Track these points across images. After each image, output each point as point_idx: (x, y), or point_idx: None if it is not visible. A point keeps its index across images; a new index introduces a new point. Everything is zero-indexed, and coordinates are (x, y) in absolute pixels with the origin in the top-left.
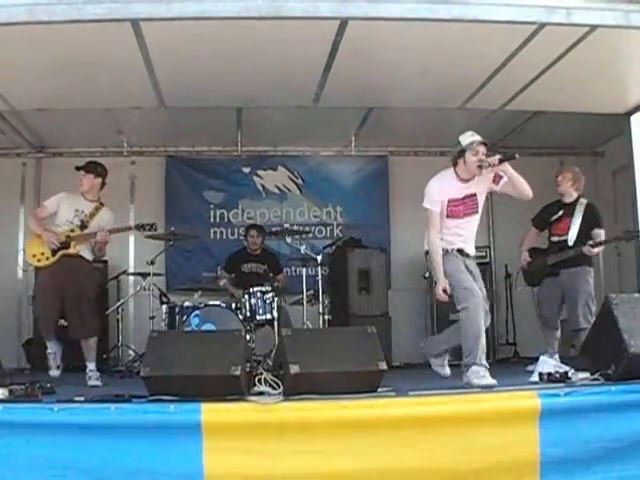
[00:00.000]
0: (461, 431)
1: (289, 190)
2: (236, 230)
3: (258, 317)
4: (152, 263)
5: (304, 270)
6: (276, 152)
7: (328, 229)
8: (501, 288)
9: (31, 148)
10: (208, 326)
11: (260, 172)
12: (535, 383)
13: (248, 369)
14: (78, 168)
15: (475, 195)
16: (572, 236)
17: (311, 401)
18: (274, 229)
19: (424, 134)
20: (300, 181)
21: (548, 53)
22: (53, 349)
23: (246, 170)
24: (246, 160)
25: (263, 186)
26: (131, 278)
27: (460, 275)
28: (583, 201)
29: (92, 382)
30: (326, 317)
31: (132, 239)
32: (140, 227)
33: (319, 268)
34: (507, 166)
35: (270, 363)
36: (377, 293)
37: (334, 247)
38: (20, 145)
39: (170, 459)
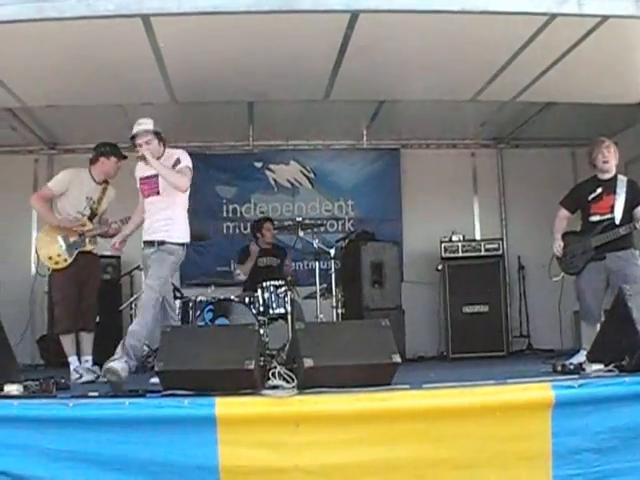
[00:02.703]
0: (475, 422)
1: (301, 184)
2: (248, 224)
3: (271, 311)
4: None
5: (317, 264)
6: (288, 146)
7: (340, 223)
8: (514, 280)
9: (43, 145)
10: (222, 320)
11: (272, 166)
12: (548, 374)
13: (262, 363)
14: (105, 154)
15: (156, 176)
16: (618, 214)
17: (325, 394)
18: (286, 223)
19: (436, 126)
20: (312, 175)
21: (559, 44)
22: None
23: (258, 164)
24: (258, 154)
25: (275, 180)
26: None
27: None
28: (622, 178)
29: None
30: (339, 311)
31: None
32: None
33: (332, 262)
34: (149, 161)
35: (284, 357)
36: (390, 286)
37: (347, 241)
38: (32, 142)
39: (186, 452)
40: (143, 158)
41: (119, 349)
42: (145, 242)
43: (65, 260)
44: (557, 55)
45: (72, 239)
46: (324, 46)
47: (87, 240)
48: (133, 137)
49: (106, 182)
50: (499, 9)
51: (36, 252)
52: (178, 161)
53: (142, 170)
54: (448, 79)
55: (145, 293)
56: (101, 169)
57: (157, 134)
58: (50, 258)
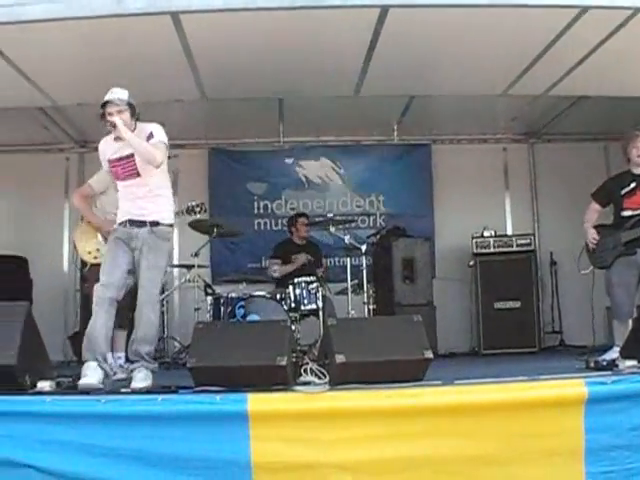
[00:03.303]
0: (507, 419)
1: (331, 180)
2: (280, 221)
3: (303, 307)
4: (196, 255)
5: (348, 260)
6: (318, 142)
7: (371, 219)
8: (546, 276)
9: (74, 143)
10: (253, 317)
11: (302, 162)
12: (581, 371)
13: (294, 359)
14: None
15: (132, 155)
16: None
17: (357, 390)
18: (318, 219)
19: (467, 121)
20: (342, 171)
21: (591, 37)
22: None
23: (289, 161)
24: (288, 151)
25: (306, 177)
26: (176, 270)
27: None
28: None
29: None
30: (371, 307)
31: (176, 231)
32: (190, 210)
33: (363, 258)
34: (120, 131)
35: (315, 353)
36: (422, 282)
37: (378, 236)
38: (63, 140)
39: (218, 448)
40: (113, 126)
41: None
42: (131, 221)
43: (103, 255)
44: (589, 48)
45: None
46: (354, 42)
47: None
48: (104, 105)
49: None
50: (530, 2)
51: (74, 246)
52: (151, 135)
53: (111, 151)
54: (479, 73)
55: (146, 288)
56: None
57: (131, 106)
58: (89, 253)
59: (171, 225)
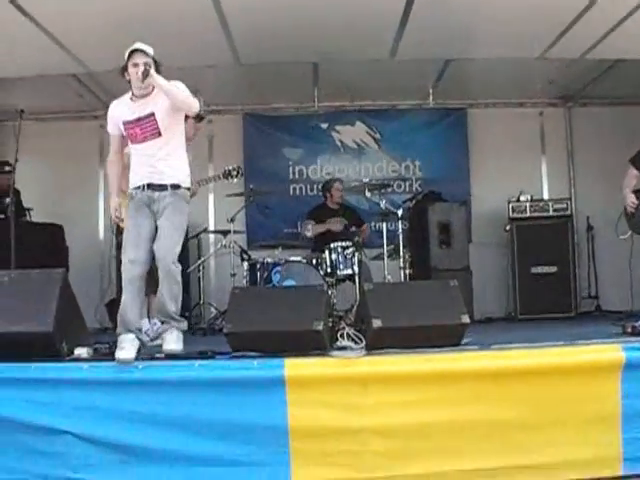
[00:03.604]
0: (543, 384)
1: (367, 145)
2: (315, 186)
3: (339, 272)
4: (232, 221)
5: (384, 225)
6: (353, 107)
7: (407, 183)
8: (583, 241)
9: (108, 110)
10: (289, 282)
11: (338, 127)
12: (618, 336)
13: (330, 324)
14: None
15: (153, 114)
16: None
17: (393, 355)
18: (353, 184)
19: (503, 85)
20: (378, 135)
21: None
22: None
23: (324, 126)
24: (324, 116)
25: (341, 141)
26: (211, 236)
27: None
28: None
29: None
30: (407, 271)
31: (211, 197)
32: (227, 174)
33: (399, 222)
34: (154, 77)
35: (352, 318)
36: (458, 247)
37: (414, 201)
38: (97, 107)
39: (255, 413)
40: (145, 75)
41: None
42: (151, 185)
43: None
44: (627, 10)
45: None
46: (390, 4)
47: None
48: (130, 56)
49: None
50: None
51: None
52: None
53: (128, 112)
54: (516, 36)
55: (170, 248)
56: None
57: (155, 62)
58: (124, 220)
59: (189, 189)
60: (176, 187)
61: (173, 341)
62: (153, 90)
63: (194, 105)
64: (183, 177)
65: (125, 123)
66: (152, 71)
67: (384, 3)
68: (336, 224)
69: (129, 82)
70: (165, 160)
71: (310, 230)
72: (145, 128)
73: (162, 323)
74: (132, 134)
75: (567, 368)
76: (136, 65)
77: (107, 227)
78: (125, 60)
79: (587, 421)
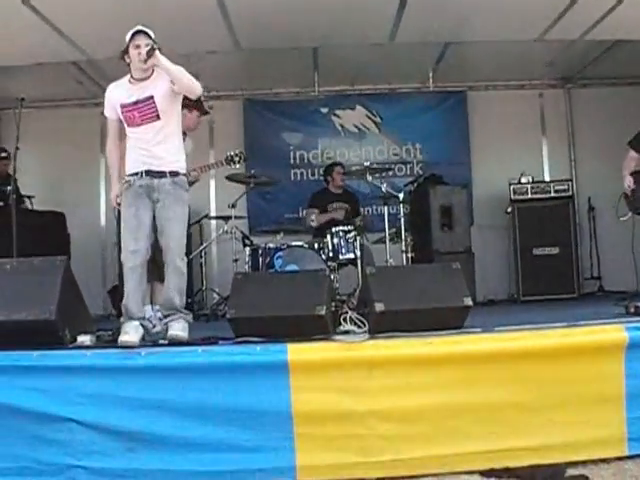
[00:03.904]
0: (547, 365)
1: (368, 129)
2: (316, 170)
3: (341, 256)
4: (233, 206)
5: (385, 208)
6: (353, 91)
7: (408, 167)
8: (584, 221)
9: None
10: (291, 267)
11: (338, 112)
12: (621, 316)
13: (333, 308)
14: (189, 107)
15: (152, 97)
16: None
17: (397, 339)
18: (354, 168)
19: (502, 68)
20: (378, 119)
21: None
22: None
23: (324, 110)
24: (324, 100)
25: (342, 126)
26: (213, 222)
27: None
28: None
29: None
30: (409, 255)
31: (213, 183)
32: (229, 160)
33: (401, 206)
34: (158, 57)
35: (354, 302)
36: (460, 229)
37: (415, 185)
38: (98, 95)
39: (259, 398)
40: (150, 56)
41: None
42: (150, 172)
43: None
44: None
45: None
46: None
47: None
48: (133, 37)
49: (183, 134)
50: None
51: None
52: None
53: (126, 95)
54: (514, 18)
55: (176, 239)
56: (182, 122)
57: (157, 46)
58: None
59: (186, 175)
60: (175, 174)
61: (179, 328)
62: (152, 73)
63: (197, 88)
64: (181, 163)
65: (123, 106)
66: (157, 52)
67: None
68: (339, 211)
69: (128, 65)
70: (162, 144)
71: (314, 220)
72: (144, 111)
73: (166, 316)
74: (130, 117)
75: (570, 349)
76: (138, 47)
77: (109, 214)
78: (126, 43)
79: (591, 402)
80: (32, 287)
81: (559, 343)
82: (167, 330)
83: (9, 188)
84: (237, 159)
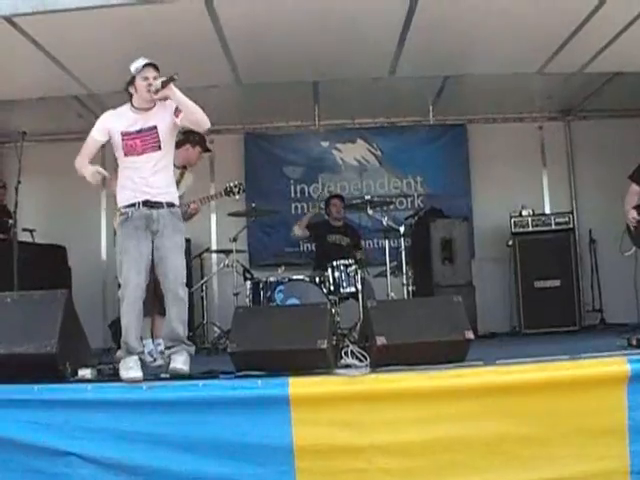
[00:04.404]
0: (549, 398)
1: (368, 162)
2: (317, 204)
3: (342, 290)
4: (234, 240)
5: (386, 242)
6: (354, 125)
7: (409, 200)
8: (585, 254)
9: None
10: (292, 301)
11: (339, 145)
12: (623, 349)
13: (334, 342)
14: (192, 142)
15: (155, 128)
16: None
17: (398, 372)
18: (355, 201)
19: (502, 100)
20: (379, 153)
21: (627, 12)
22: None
23: (325, 144)
24: (324, 134)
25: (342, 159)
26: (214, 256)
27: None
28: None
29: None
30: (410, 288)
31: (214, 217)
32: (228, 191)
33: (401, 239)
34: (173, 89)
35: (356, 336)
36: (461, 263)
37: (416, 218)
38: None
39: (260, 432)
40: (163, 87)
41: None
42: (148, 202)
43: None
44: (624, 23)
45: None
46: (388, 22)
47: None
48: (142, 68)
49: (184, 168)
50: None
51: (115, 233)
52: (178, 109)
53: (126, 123)
54: (513, 52)
55: (178, 269)
56: (184, 155)
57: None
58: None
59: (180, 206)
60: (171, 205)
61: (181, 361)
62: (155, 104)
63: (207, 122)
64: (175, 194)
65: (124, 134)
66: (172, 85)
67: (382, 21)
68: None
69: (131, 95)
70: (159, 174)
71: (294, 230)
72: (146, 140)
73: (169, 348)
74: (131, 145)
75: (573, 382)
76: (147, 79)
77: (109, 248)
78: (131, 73)
79: (593, 435)
80: (33, 320)
81: (561, 376)
82: (169, 363)
83: (11, 221)
84: (236, 190)
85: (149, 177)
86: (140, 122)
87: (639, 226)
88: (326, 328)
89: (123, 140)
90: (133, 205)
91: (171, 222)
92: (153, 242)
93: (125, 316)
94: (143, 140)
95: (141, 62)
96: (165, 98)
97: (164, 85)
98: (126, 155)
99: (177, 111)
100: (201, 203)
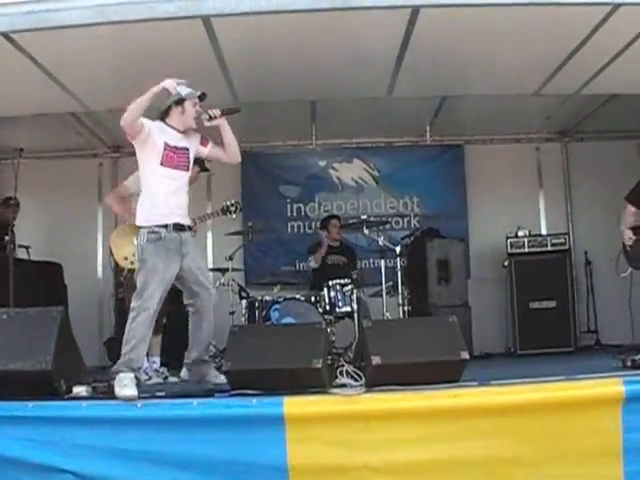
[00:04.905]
0: (544, 419)
1: (365, 182)
2: (313, 224)
3: (338, 309)
4: (231, 259)
5: (382, 262)
6: (351, 144)
7: (405, 220)
8: (581, 275)
9: (107, 148)
10: (288, 320)
11: (336, 165)
12: (618, 370)
13: (329, 362)
14: None
15: (188, 150)
16: None
17: (393, 392)
18: (351, 221)
19: (499, 121)
20: (376, 172)
21: (624, 34)
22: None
23: (322, 163)
24: (321, 153)
25: (339, 179)
26: (210, 274)
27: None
28: None
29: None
30: (406, 308)
31: (210, 235)
32: (226, 210)
33: (398, 259)
34: (225, 122)
35: (351, 355)
36: (456, 283)
37: (412, 238)
38: (96, 145)
39: (254, 451)
40: (215, 117)
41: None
42: (179, 225)
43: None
44: (621, 46)
45: None
46: (386, 43)
47: None
48: (199, 97)
49: None
50: (562, 0)
51: (111, 252)
52: (205, 139)
53: (167, 136)
54: (511, 73)
55: (210, 289)
56: None
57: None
58: (126, 258)
59: None
60: (190, 228)
61: (216, 375)
62: (188, 130)
63: (239, 156)
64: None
65: (167, 145)
66: (224, 121)
67: (380, 42)
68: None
69: (166, 113)
70: (185, 195)
71: (312, 261)
72: (180, 158)
73: (204, 362)
74: (170, 156)
75: (568, 403)
76: (195, 105)
77: (106, 266)
78: (179, 94)
79: (588, 456)
80: (28, 337)
81: (556, 397)
82: (208, 377)
83: (7, 238)
84: (233, 209)
85: (178, 194)
86: (176, 140)
87: (635, 246)
88: (321, 347)
89: (165, 150)
90: (165, 226)
91: (195, 244)
92: (183, 263)
93: (140, 328)
94: (179, 157)
95: (196, 91)
96: (206, 127)
97: (223, 114)
98: (162, 164)
99: (204, 140)
100: (199, 221)
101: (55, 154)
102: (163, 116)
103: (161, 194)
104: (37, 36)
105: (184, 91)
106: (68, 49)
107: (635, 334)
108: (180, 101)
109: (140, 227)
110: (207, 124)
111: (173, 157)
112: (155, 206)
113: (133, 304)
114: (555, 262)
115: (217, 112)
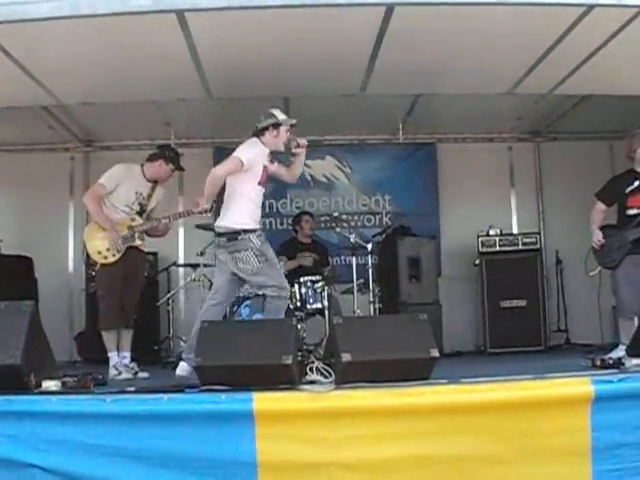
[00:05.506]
0: (513, 417)
1: (337, 179)
2: (285, 220)
3: (308, 306)
4: (202, 254)
5: (354, 259)
6: (323, 141)
7: (377, 217)
8: (552, 274)
9: (79, 142)
10: (259, 316)
11: (308, 161)
12: (587, 369)
13: (299, 358)
14: (166, 159)
15: (266, 168)
16: None
17: (363, 389)
18: (323, 218)
19: (472, 120)
20: (348, 170)
21: (597, 35)
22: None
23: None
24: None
25: (311, 175)
26: (181, 270)
27: None
28: None
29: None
30: (376, 306)
31: (181, 230)
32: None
33: (369, 257)
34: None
35: (321, 352)
36: (427, 281)
37: (383, 235)
38: (68, 139)
39: (224, 447)
40: (300, 146)
41: None
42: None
43: (114, 255)
44: (595, 47)
45: (121, 234)
46: (360, 40)
47: (136, 235)
48: (292, 126)
49: (155, 182)
50: (535, 0)
51: (84, 246)
52: None
53: (265, 158)
54: (484, 72)
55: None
56: (156, 170)
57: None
58: (99, 253)
59: None
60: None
61: None
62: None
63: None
64: None
65: (265, 167)
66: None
67: (354, 39)
68: (307, 259)
69: (262, 131)
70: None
71: (282, 268)
72: (265, 177)
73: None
74: (264, 177)
75: (537, 402)
76: (288, 131)
77: (77, 260)
78: (276, 118)
79: (557, 455)
80: None
81: (526, 395)
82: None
83: None
84: (208, 207)
85: (258, 208)
86: (267, 161)
87: (604, 247)
88: (291, 344)
89: (263, 171)
90: (256, 231)
91: None
92: None
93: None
94: (266, 175)
95: (292, 119)
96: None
97: (307, 146)
98: (259, 184)
99: (271, 157)
100: (172, 219)
101: (27, 147)
102: (259, 134)
103: (255, 206)
104: (9, 28)
105: (280, 116)
106: (41, 42)
107: (604, 333)
108: (277, 125)
109: (244, 231)
110: (295, 151)
111: (265, 177)
112: (251, 212)
113: (275, 293)
114: (526, 261)
115: (304, 142)
